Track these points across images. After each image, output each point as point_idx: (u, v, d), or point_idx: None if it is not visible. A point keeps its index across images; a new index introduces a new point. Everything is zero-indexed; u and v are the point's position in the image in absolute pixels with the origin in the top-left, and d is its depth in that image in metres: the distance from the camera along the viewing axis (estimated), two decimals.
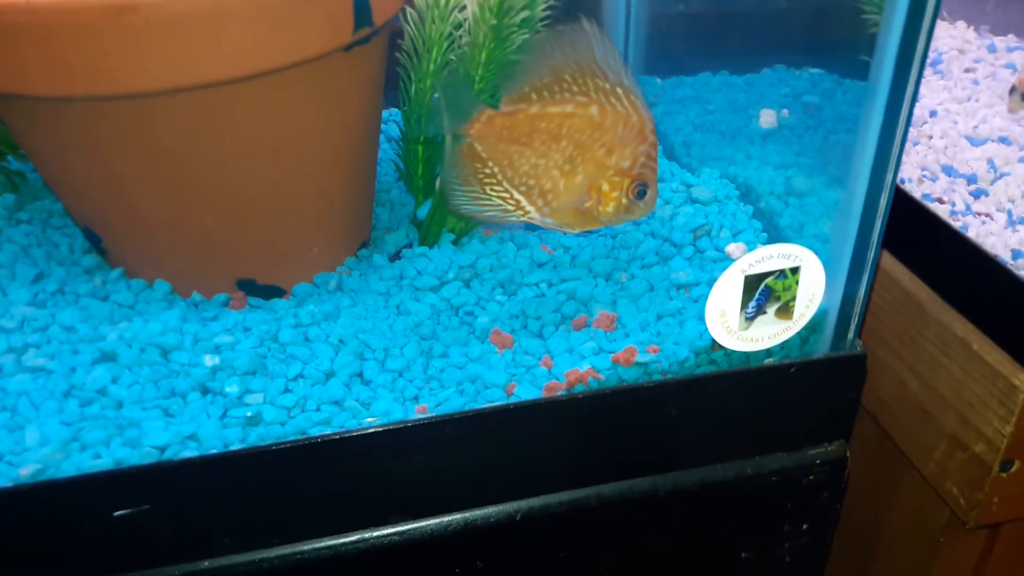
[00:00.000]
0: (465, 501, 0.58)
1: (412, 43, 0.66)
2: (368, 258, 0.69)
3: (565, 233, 0.70)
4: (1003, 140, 0.82)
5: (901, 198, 0.72)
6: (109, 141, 0.55)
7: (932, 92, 0.94)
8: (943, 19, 1.11)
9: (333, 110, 0.61)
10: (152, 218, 0.59)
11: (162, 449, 0.52)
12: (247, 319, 0.62)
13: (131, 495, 0.51)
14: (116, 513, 0.51)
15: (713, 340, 0.59)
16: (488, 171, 0.55)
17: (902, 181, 0.76)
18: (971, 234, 0.68)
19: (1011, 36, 1.07)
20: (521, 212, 0.56)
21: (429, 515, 0.57)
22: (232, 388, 0.56)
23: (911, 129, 0.54)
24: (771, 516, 0.65)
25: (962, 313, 0.67)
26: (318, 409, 0.55)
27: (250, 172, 0.58)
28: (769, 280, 0.57)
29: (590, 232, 0.72)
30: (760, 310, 0.58)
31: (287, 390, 0.57)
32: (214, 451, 0.52)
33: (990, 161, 0.79)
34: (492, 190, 0.56)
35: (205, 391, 0.56)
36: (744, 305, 0.58)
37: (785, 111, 0.82)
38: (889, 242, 0.60)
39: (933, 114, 0.89)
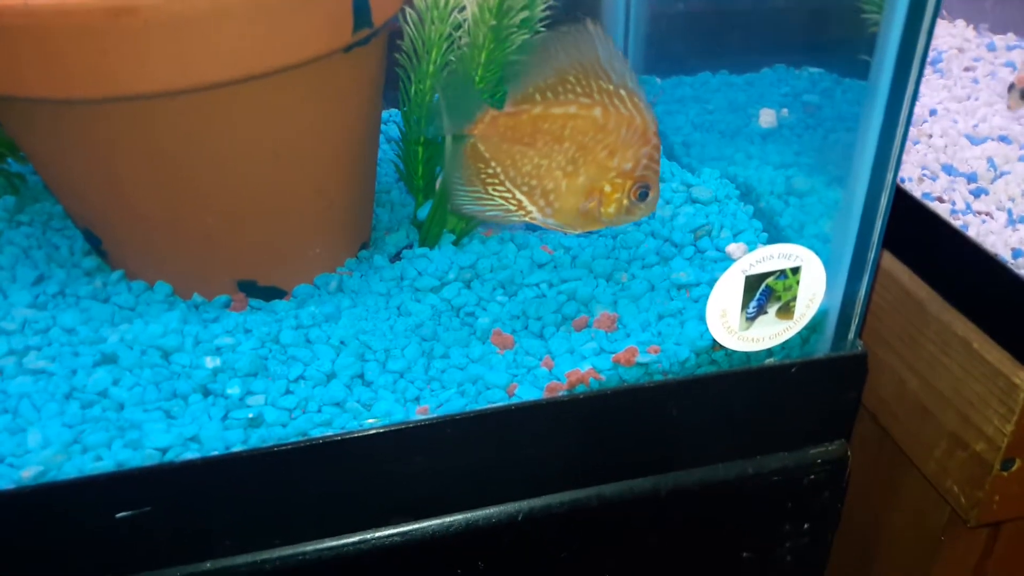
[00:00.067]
0: (466, 502, 0.58)
1: (412, 44, 0.66)
2: (369, 259, 0.69)
3: (566, 233, 0.70)
4: (1003, 139, 0.82)
5: (901, 197, 0.72)
6: (109, 143, 0.55)
7: (932, 91, 0.94)
8: (942, 18, 1.11)
9: (332, 111, 0.61)
10: (152, 220, 0.59)
11: (163, 451, 0.52)
12: (248, 320, 0.62)
13: (133, 497, 0.51)
14: (118, 515, 0.51)
15: (714, 340, 0.59)
16: (491, 171, 0.56)
17: (902, 180, 0.76)
18: (971, 233, 0.68)
19: (1010, 34, 1.07)
20: (523, 212, 0.56)
21: (430, 516, 0.57)
22: (233, 390, 0.56)
23: (911, 128, 0.54)
24: (772, 516, 0.65)
25: (962, 312, 0.67)
26: (319, 410, 0.55)
27: (250, 173, 0.58)
28: (770, 280, 0.57)
29: (591, 233, 0.72)
30: (761, 310, 0.58)
31: (288, 391, 0.57)
32: (216, 453, 0.52)
33: (990, 160, 0.79)
34: (494, 190, 0.56)
35: (206, 393, 0.56)
36: (745, 305, 0.58)
37: (785, 111, 0.82)
38: (889, 241, 0.60)
39: (933, 113, 0.89)
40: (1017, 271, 0.63)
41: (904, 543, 0.78)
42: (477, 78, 0.65)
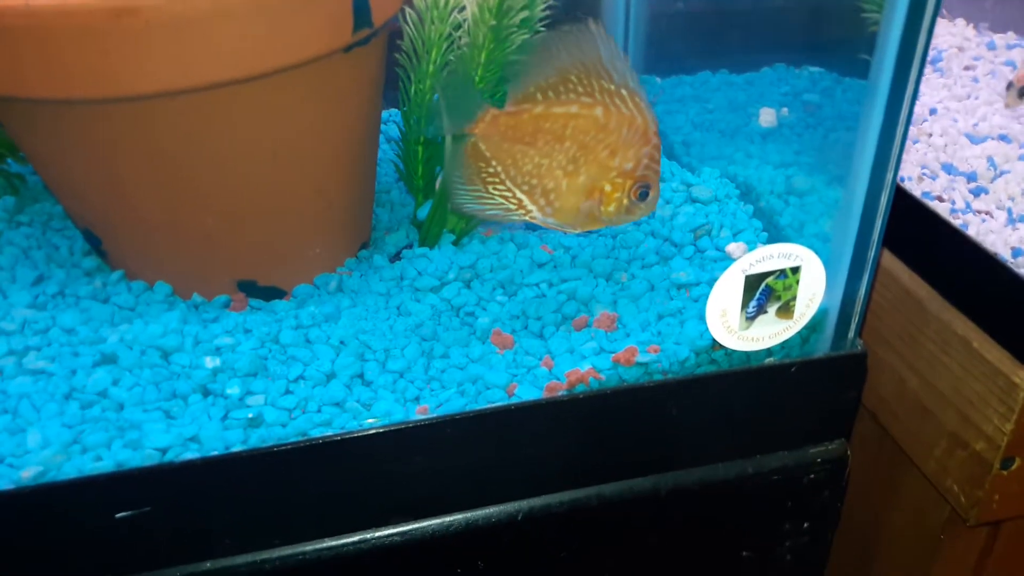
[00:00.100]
0: (466, 501, 0.58)
1: (411, 44, 0.66)
2: (368, 259, 0.69)
3: (566, 233, 0.70)
4: (1003, 138, 0.82)
5: (901, 196, 0.72)
6: (109, 143, 0.55)
7: (932, 90, 0.94)
8: (942, 16, 1.11)
9: (332, 111, 0.61)
10: (152, 220, 0.59)
11: (163, 451, 0.52)
12: (248, 321, 0.62)
13: (132, 497, 0.51)
14: (118, 515, 0.51)
15: (714, 340, 0.59)
16: (491, 170, 0.56)
17: (901, 179, 0.76)
18: (971, 232, 0.68)
19: (1010, 33, 1.07)
20: (523, 211, 0.56)
21: (430, 515, 0.57)
22: (233, 390, 0.56)
23: (911, 127, 0.54)
24: (772, 515, 0.65)
25: (962, 311, 0.67)
26: (319, 410, 0.55)
27: (250, 173, 0.58)
28: (770, 280, 0.57)
29: (590, 232, 0.72)
30: (761, 309, 0.58)
31: (288, 391, 0.57)
32: (215, 453, 0.52)
33: (990, 159, 0.79)
34: (495, 189, 0.56)
35: (206, 393, 0.56)
36: (745, 305, 0.58)
37: (785, 110, 0.82)
38: (889, 240, 0.60)
39: (933, 112, 0.89)
40: (1017, 270, 0.63)
41: (904, 542, 0.78)
42: (477, 78, 0.65)
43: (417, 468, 0.55)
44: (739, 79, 0.91)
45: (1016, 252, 0.67)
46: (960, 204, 0.73)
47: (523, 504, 0.59)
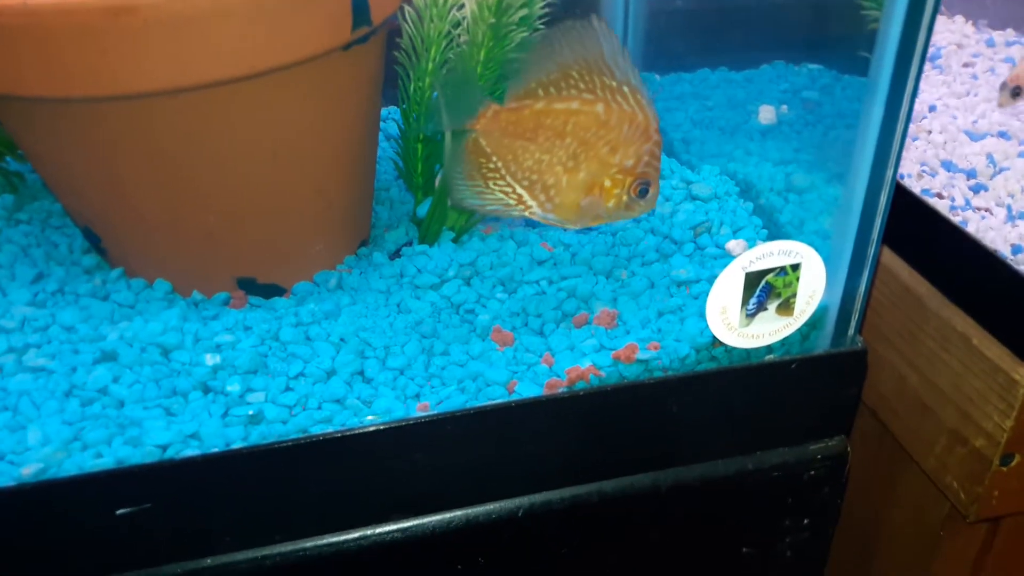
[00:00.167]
0: (467, 498, 0.58)
1: (411, 42, 0.66)
2: (368, 256, 0.69)
3: (565, 229, 0.70)
4: (1002, 135, 0.82)
5: (900, 193, 0.72)
6: (108, 142, 0.55)
7: (931, 87, 0.94)
8: (941, 14, 1.11)
9: (332, 109, 0.61)
10: (152, 218, 0.59)
11: (164, 448, 0.52)
12: (248, 318, 0.62)
13: (133, 494, 0.51)
14: (118, 512, 0.51)
15: (714, 337, 0.59)
16: (492, 165, 0.56)
17: (901, 176, 0.76)
18: (971, 229, 0.68)
19: (1009, 30, 1.07)
20: (523, 207, 0.56)
21: (431, 512, 0.57)
22: (233, 387, 0.56)
23: (910, 124, 0.54)
24: (772, 511, 0.65)
25: (962, 308, 0.67)
26: (319, 407, 0.55)
27: (249, 172, 0.58)
28: (770, 277, 0.57)
29: (590, 229, 0.72)
30: (761, 307, 0.58)
31: (288, 388, 0.57)
32: (216, 450, 0.52)
33: (989, 156, 0.79)
34: (495, 184, 0.56)
35: (206, 390, 0.56)
36: (745, 302, 0.58)
37: (784, 107, 0.82)
38: (888, 237, 0.60)
39: (932, 109, 0.89)
40: (1016, 267, 0.63)
41: (904, 538, 0.78)
42: (477, 76, 0.65)
43: (418, 465, 0.55)
44: (738, 76, 0.91)
45: (1016, 249, 0.67)
46: (960, 201, 0.73)
47: (524, 501, 0.59)
